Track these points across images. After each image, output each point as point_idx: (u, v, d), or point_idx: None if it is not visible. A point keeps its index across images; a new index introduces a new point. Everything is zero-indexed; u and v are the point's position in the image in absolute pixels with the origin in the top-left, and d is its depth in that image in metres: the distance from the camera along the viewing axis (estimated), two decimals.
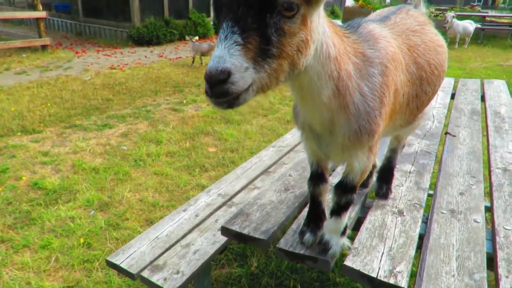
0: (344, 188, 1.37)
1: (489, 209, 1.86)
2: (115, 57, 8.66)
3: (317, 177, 1.45)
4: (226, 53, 0.80)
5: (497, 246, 1.48)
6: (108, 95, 5.85)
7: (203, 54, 7.74)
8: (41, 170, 3.54)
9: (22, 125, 4.54)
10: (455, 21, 9.81)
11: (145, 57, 8.76)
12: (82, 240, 2.60)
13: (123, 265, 1.69)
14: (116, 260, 1.72)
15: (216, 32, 11.28)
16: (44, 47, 8.55)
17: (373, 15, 1.63)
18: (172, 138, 4.35)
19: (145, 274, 1.64)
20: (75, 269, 2.36)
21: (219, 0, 0.88)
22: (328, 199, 1.58)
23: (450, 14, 9.97)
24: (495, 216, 1.68)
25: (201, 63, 8.00)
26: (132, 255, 1.75)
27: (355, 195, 1.41)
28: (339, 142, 1.23)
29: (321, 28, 1.01)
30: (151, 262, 1.72)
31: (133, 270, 1.66)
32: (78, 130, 4.53)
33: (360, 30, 1.25)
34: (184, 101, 5.72)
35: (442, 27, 12.59)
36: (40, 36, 8.54)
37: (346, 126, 1.18)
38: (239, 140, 4.33)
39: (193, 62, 7.99)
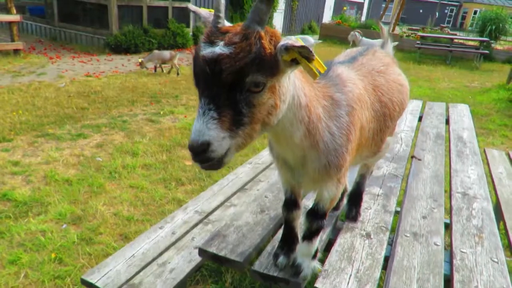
0: (315, 215, 1.47)
1: (448, 226, 1.99)
2: (91, 64, 8.53)
3: (291, 203, 1.54)
4: (204, 127, 0.93)
5: (454, 269, 1.61)
6: (83, 103, 5.76)
7: (164, 62, 7.98)
8: (10, 181, 3.46)
9: None
10: (362, 38, 10.31)
11: (122, 65, 8.68)
12: (53, 255, 2.56)
13: (99, 284, 1.69)
14: (91, 278, 1.72)
15: (196, 43, 11.38)
16: (16, 51, 8.30)
17: (342, 55, 1.76)
18: (148, 150, 4.35)
19: None
20: (45, 286, 2.32)
21: (197, 77, 0.99)
22: (300, 223, 1.67)
23: (356, 33, 10.37)
24: (453, 239, 1.81)
25: (162, 71, 8.26)
26: (107, 274, 1.76)
27: (325, 221, 1.50)
28: (310, 175, 1.33)
29: (291, 84, 1.11)
30: (127, 281, 1.73)
31: None
32: (50, 139, 4.44)
33: (330, 74, 1.37)
34: (161, 112, 5.72)
35: (414, 46, 13.40)
36: (12, 40, 8.29)
37: (316, 162, 1.29)
38: None
39: (162, 70, 8.22)
